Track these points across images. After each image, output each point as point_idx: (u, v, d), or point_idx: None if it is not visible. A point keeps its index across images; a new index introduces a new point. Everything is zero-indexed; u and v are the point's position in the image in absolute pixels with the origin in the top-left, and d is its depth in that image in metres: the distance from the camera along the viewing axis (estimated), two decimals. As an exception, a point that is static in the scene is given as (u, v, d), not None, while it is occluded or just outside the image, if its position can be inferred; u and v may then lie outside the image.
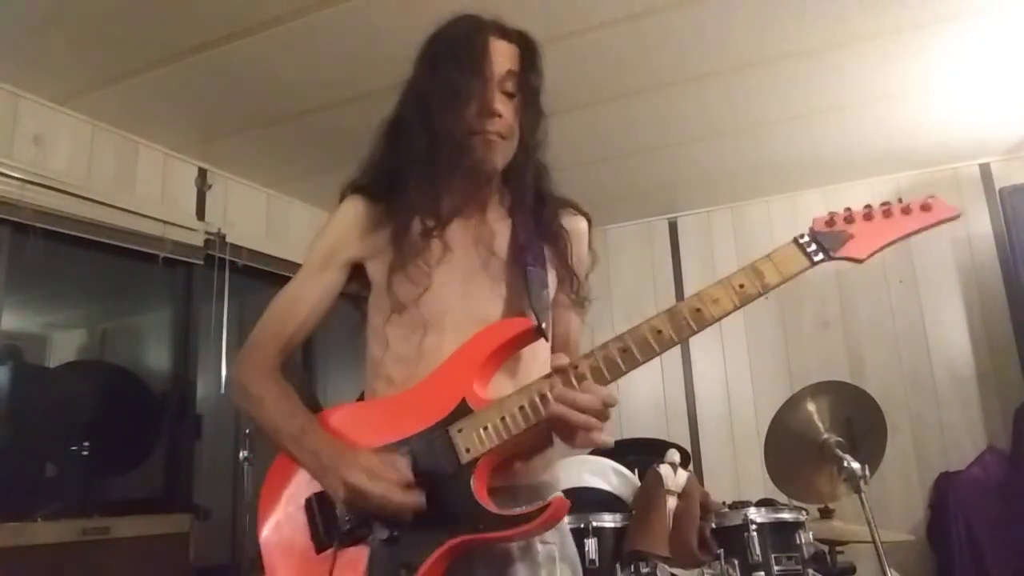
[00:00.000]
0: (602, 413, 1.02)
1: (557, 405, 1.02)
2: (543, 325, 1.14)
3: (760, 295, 1.04)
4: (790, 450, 2.31)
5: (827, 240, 1.06)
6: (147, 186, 3.04)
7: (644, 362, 1.05)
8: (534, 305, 1.16)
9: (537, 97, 1.23)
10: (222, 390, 3.12)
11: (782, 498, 2.56)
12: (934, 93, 2.94)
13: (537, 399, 1.05)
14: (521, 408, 1.05)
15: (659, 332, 1.05)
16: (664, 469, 2.37)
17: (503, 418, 1.06)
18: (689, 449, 3.64)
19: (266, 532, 1.15)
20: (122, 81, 2.58)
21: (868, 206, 1.07)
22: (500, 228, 1.25)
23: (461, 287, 1.20)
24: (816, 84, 2.81)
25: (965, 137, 3.34)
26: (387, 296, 1.18)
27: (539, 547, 1.14)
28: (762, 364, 3.83)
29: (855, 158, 3.55)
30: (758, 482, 3.25)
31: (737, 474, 3.75)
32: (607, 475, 2.54)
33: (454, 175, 1.18)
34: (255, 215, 3.55)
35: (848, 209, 1.08)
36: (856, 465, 2.09)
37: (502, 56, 1.19)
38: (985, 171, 3.62)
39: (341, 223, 1.26)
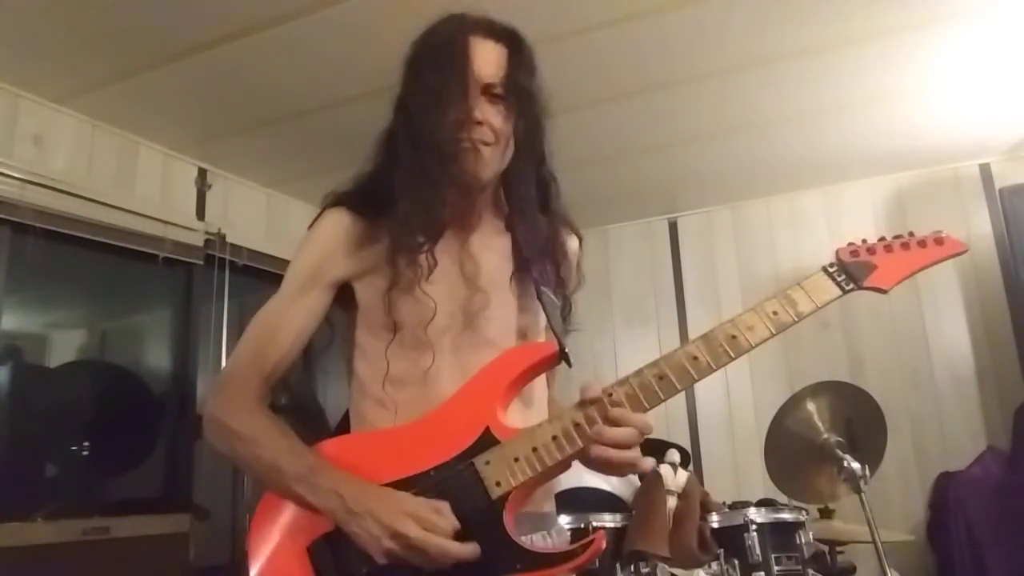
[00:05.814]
0: (639, 443, 1.00)
1: (598, 446, 0.98)
2: (567, 350, 1.08)
3: (794, 323, 1.04)
4: (790, 450, 2.31)
5: (854, 269, 1.09)
6: (147, 186, 3.04)
7: (681, 390, 1.02)
8: (555, 328, 1.11)
9: (531, 99, 1.13)
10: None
11: (782, 498, 2.57)
12: (934, 93, 2.94)
13: (572, 428, 1.00)
14: (555, 438, 1.00)
15: (695, 359, 1.01)
16: (664, 469, 2.37)
17: (535, 448, 1.00)
18: (689, 449, 3.64)
19: None
20: (122, 81, 2.58)
21: (884, 238, 1.12)
22: (496, 243, 1.17)
23: (459, 305, 1.12)
24: (816, 84, 2.81)
25: (965, 137, 3.34)
26: (383, 317, 1.10)
27: None
28: (762, 364, 3.82)
29: (855, 158, 3.54)
30: (758, 482, 3.25)
31: (737, 474, 3.74)
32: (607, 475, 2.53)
33: (439, 186, 1.08)
34: (255, 215, 3.55)
35: (865, 241, 1.12)
36: (856, 465, 2.10)
37: (486, 57, 1.10)
38: (985, 171, 3.62)
39: (325, 239, 1.15)
